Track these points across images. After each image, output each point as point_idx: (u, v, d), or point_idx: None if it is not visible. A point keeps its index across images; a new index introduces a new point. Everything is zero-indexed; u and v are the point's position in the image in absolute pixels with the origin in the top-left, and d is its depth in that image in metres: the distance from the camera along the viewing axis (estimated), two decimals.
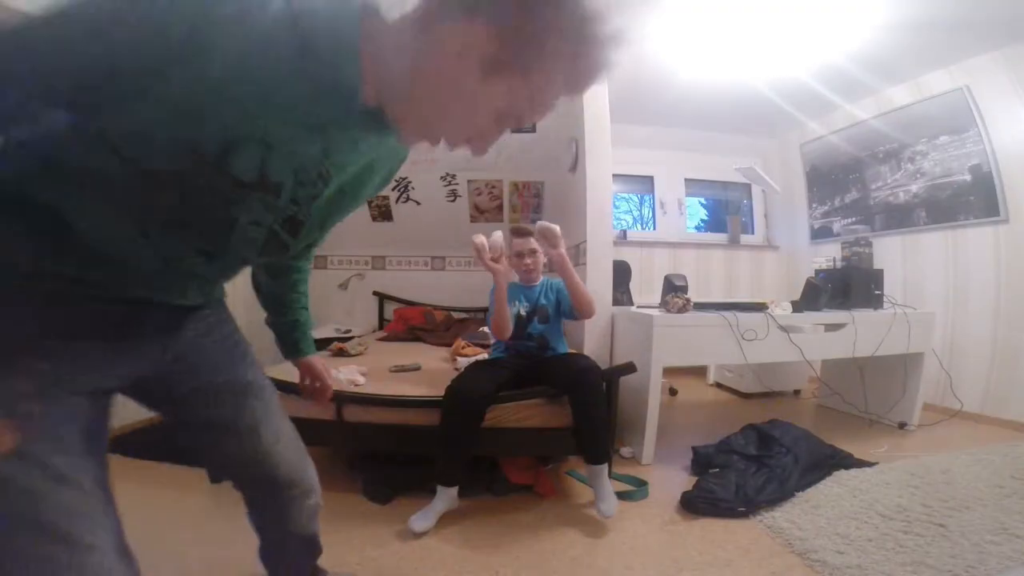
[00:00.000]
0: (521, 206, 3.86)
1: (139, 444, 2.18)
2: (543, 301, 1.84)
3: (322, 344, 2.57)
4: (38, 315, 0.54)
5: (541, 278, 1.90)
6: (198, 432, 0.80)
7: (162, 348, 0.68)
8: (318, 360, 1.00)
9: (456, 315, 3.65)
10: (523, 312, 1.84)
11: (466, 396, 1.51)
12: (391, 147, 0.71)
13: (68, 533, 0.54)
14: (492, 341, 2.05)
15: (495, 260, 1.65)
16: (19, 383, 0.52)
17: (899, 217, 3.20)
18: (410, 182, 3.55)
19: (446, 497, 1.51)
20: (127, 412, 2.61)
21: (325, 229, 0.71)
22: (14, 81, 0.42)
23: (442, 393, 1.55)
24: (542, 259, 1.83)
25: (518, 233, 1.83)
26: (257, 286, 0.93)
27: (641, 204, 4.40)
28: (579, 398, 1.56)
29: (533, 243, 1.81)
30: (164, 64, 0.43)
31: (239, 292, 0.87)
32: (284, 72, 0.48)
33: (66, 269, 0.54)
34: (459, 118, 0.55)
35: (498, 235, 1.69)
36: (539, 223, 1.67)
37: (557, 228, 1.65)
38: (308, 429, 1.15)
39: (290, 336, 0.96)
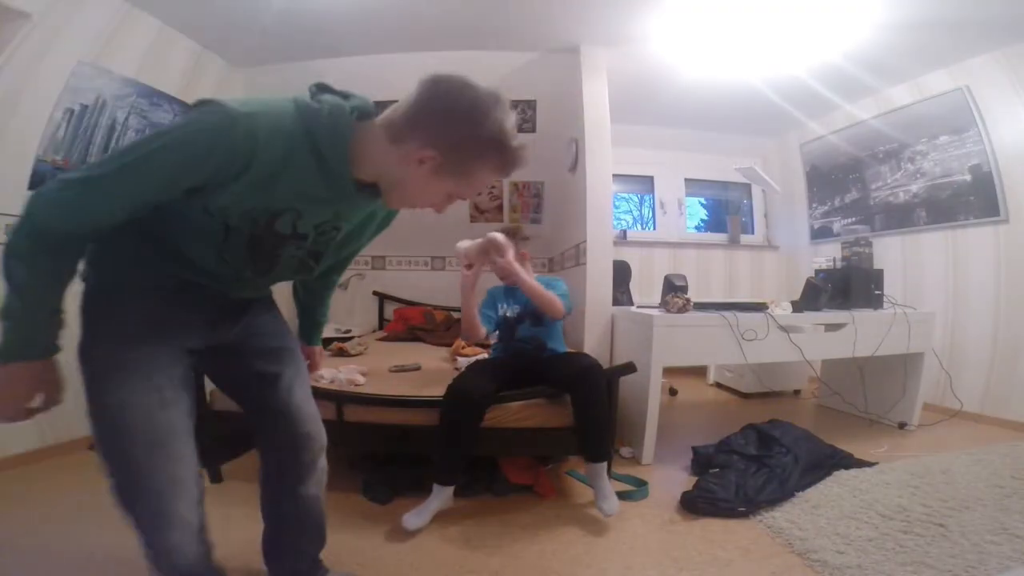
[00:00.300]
0: (521, 206, 3.86)
1: None
2: (530, 306, 1.83)
3: (323, 344, 2.57)
4: (165, 303, 0.86)
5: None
6: (251, 383, 1.05)
7: (234, 322, 0.99)
8: (319, 349, 1.33)
9: (456, 315, 3.65)
10: (510, 314, 1.84)
11: (467, 396, 1.51)
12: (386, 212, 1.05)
13: (167, 444, 0.82)
14: (492, 341, 2.05)
15: (468, 267, 1.65)
16: (150, 340, 0.84)
17: (899, 217, 3.20)
18: None
19: (442, 496, 1.51)
20: None
21: (340, 258, 1.08)
22: (162, 184, 0.72)
23: (442, 393, 1.55)
24: (519, 261, 1.83)
25: None
26: (296, 297, 1.24)
27: (641, 204, 4.40)
28: (581, 396, 1.56)
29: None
30: (236, 177, 0.73)
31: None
32: (303, 170, 0.77)
33: (181, 277, 0.87)
34: (421, 198, 0.85)
35: (479, 241, 1.68)
36: (488, 234, 1.66)
37: (501, 237, 1.64)
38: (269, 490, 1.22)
39: (308, 331, 1.29)
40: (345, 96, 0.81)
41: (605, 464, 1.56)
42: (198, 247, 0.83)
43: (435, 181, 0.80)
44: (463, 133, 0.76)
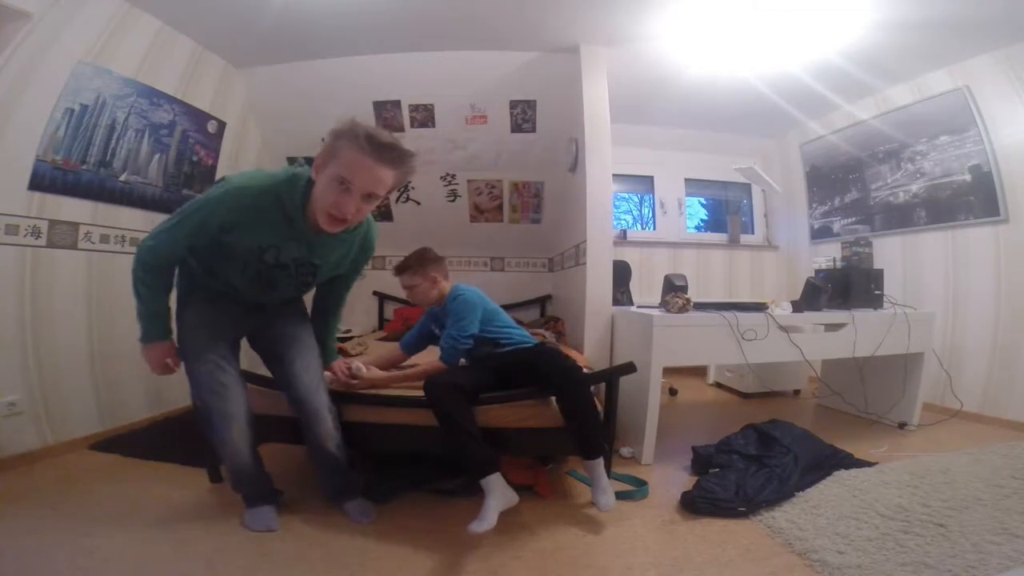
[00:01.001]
0: (521, 206, 3.86)
1: (139, 444, 2.18)
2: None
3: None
4: (210, 307, 1.42)
5: (449, 292, 1.86)
6: (272, 359, 1.55)
7: (255, 317, 1.50)
8: (337, 365, 1.72)
9: None
10: (438, 331, 1.87)
11: (450, 386, 1.51)
12: (362, 240, 1.46)
13: (223, 394, 1.37)
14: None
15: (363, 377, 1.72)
16: (206, 329, 1.41)
17: (899, 217, 3.20)
18: (410, 182, 3.55)
19: (494, 488, 1.39)
20: (127, 412, 2.58)
21: (335, 277, 1.54)
22: (188, 238, 1.27)
23: None
24: (424, 288, 1.83)
25: (395, 272, 1.88)
26: (314, 306, 1.66)
27: (641, 204, 4.40)
28: (567, 397, 1.56)
29: (408, 279, 1.83)
30: (233, 226, 1.23)
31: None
32: (276, 220, 1.25)
33: (220, 291, 1.41)
34: (324, 195, 1.21)
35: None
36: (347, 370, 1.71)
37: (356, 372, 1.70)
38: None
39: (320, 334, 1.65)
40: None
41: (600, 460, 1.55)
42: (229, 271, 1.34)
43: (324, 174, 1.19)
44: (333, 132, 1.17)
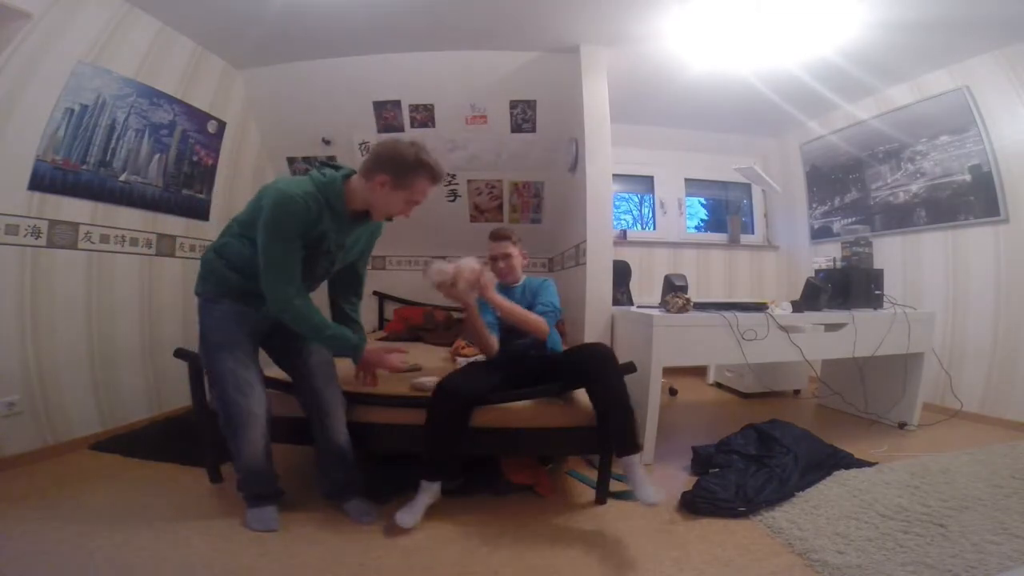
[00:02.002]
0: (521, 206, 3.85)
1: (139, 444, 2.18)
2: (522, 304, 1.81)
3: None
4: (238, 304, 1.46)
5: (523, 278, 1.89)
6: (288, 353, 1.59)
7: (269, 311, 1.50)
8: (363, 363, 1.64)
9: (456, 315, 3.65)
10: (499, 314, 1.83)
11: (453, 394, 1.51)
12: (373, 224, 1.61)
13: (246, 390, 1.42)
14: None
15: (459, 286, 1.58)
16: (235, 326, 1.46)
17: (899, 217, 3.20)
18: None
19: (430, 491, 1.51)
20: (127, 412, 2.57)
21: (348, 261, 1.63)
22: (292, 238, 1.36)
23: None
24: (518, 261, 1.85)
25: (492, 236, 1.86)
26: (333, 306, 1.73)
27: (641, 204, 4.40)
28: (603, 386, 1.51)
29: (506, 247, 1.82)
30: (315, 223, 1.37)
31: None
32: (322, 214, 1.38)
33: (247, 289, 1.44)
34: (390, 207, 1.44)
35: (466, 275, 1.60)
36: (472, 267, 1.61)
37: (484, 272, 1.61)
38: (310, 428, 1.59)
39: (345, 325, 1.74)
40: (337, 168, 1.44)
41: (638, 455, 1.49)
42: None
43: (393, 194, 1.40)
44: (398, 161, 1.36)
